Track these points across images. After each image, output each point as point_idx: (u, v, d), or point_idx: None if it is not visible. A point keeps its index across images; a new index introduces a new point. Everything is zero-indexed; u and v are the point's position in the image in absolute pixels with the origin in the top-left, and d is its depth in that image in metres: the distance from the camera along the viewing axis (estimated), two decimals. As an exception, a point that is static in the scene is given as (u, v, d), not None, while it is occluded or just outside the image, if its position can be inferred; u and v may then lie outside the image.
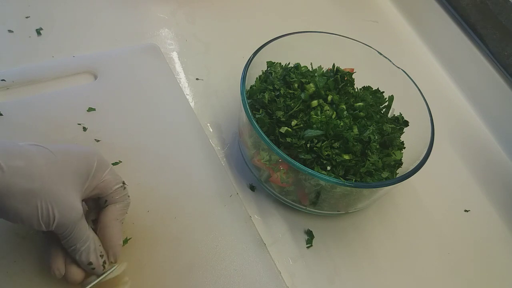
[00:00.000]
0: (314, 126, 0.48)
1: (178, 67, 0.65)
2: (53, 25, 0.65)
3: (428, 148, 0.48)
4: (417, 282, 0.51)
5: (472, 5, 0.72)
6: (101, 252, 0.40)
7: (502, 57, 0.68)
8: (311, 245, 0.51)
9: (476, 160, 0.65)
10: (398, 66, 0.56)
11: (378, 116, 0.53)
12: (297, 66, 0.55)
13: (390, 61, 0.56)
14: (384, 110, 0.56)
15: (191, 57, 0.67)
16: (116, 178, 0.42)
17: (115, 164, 0.50)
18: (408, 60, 0.67)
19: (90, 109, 0.55)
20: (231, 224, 0.49)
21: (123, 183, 0.42)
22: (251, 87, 0.54)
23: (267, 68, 0.55)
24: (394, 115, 0.56)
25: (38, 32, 0.63)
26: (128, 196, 0.43)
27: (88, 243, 0.38)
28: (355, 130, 0.49)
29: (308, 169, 0.43)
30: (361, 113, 0.51)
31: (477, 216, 0.59)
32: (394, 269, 0.51)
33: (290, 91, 0.51)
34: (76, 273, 0.39)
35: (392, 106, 0.56)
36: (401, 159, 0.51)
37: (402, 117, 0.55)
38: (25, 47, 0.61)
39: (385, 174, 0.48)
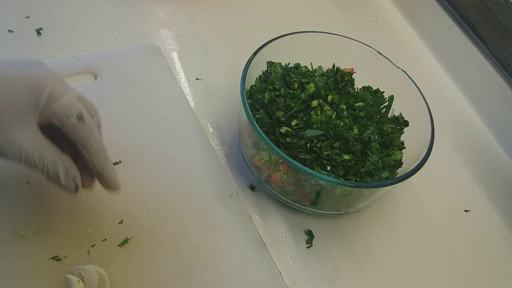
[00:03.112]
0: (314, 126, 0.48)
1: (178, 67, 0.65)
2: (53, 25, 0.65)
3: (428, 148, 0.48)
4: (417, 282, 0.51)
5: (472, 5, 0.72)
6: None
7: (502, 57, 0.68)
8: (311, 245, 0.51)
9: (476, 160, 0.65)
10: (398, 66, 0.56)
11: (378, 116, 0.53)
12: (297, 66, 0.55)
13: (390, 61, 0.56)
14: (384, 110, 0.56)
15: (191, 57, 0.67)
16: (69, 109, 0.36)
17: (115, 164, 0.50)
18: (408, 60, 0.67)
19: (90, 109, 0.55)
20: (231, 224, 0.49)
21: (80, 115, 0.37)
22: (251, 87, 0.54)
23: (267, 68, 0.55)
24: (394, 115, 0.56)
25: (38, 32, 0.63)
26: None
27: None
28: (355, 130, 0.49)
29: (308, 169, 0.43)
30: (361, 113, 0.51)
31: (477, 216, 0.59)
32: (394, 269, 0.51)
33: (290, 91, 0.51)
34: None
35: (392, 106, 0.56)
36: (401, 159, 0.51)
37: (402, 117, 0.55)
38: (25, 47, 0.61)
39: (385, 174, 0.48)
